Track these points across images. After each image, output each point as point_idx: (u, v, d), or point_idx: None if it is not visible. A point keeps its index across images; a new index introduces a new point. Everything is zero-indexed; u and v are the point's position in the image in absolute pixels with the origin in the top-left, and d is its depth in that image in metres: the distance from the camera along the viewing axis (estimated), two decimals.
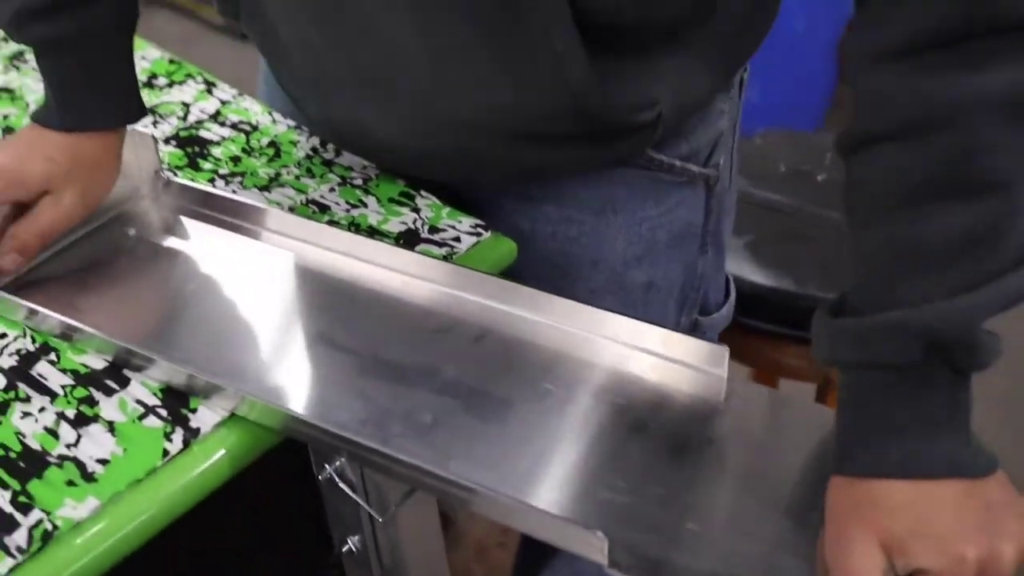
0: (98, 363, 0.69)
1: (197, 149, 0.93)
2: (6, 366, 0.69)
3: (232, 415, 0.65)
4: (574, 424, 0.64)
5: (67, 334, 0.71)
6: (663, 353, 0.68)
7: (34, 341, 0.71)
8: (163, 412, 0.65)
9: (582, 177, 0.80)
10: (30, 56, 1.13)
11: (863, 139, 0.54)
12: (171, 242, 0.81)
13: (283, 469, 0.72)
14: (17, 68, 1.11)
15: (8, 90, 1.06)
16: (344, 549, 0.72)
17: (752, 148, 1.26)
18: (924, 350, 0.53)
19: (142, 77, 1.05)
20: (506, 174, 0.79)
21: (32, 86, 1.07)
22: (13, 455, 0.63)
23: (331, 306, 0.74)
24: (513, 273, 0.80)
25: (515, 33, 0.65)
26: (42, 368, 0.69)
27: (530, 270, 0.82)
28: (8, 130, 0.98)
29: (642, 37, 0.69)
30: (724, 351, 0.66)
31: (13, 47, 1.15)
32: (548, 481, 0.60)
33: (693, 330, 0.90)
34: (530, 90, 0.68)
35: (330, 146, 0.91)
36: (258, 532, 0.82)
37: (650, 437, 0.63)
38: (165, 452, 0.63)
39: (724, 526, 0.57)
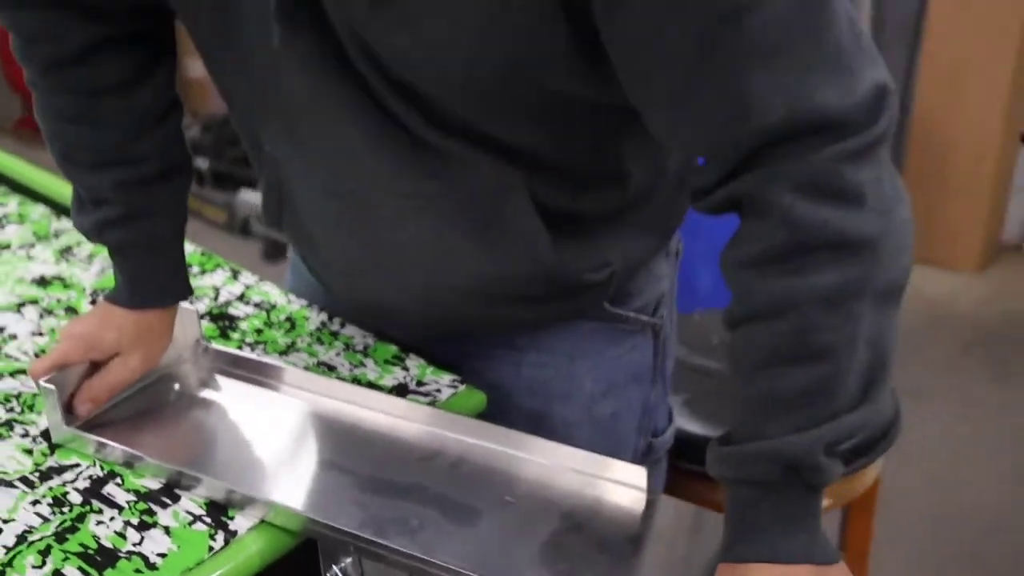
0: (154, 484, 0.88)
1: (227, 323, 1.14)
2: (81, 487, 0.88)
3: (262, 521, 0.83)
4: (527, 526, 0.83)
5: (129, 463, 0.90)
6: (596, 473, 0.87)
7: (102, 469, 0.90)
8: (208, 520, 0.84)
9: (556, 329, 1.01)
10: (77, 249, 1.35)
11: (735, 321, 0.75)
12: (207, 394, 1.02)
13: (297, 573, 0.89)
14: (67, 260, 1.33)
15: (60, 278, 1.28)
16: None
17: (692, 323, 1.49)
18: (781, 471, 0.72)
19: None
20: (491, 328, 1.00)
21: (79, 275, 1.29)
22: (91, 551, 0.81)
23: (337, 440, 0.94)
24: (504, 410, 1.00)
25: (494, 224, 0.88)
26: (110, 489, 0.88)
27: (518, 407, 1.02)
28: (70, 309, 1.19)
29: (593, 219, 0.92)
30: (643, 471, 0.85)
31: (63, 242, 1.37)
32: (508, 566, 0.78)
33: (648, 450, 1.09)
34: (507, 263, 0.90)
35: (336, 319, 1.13)
36: None
37: (584, 536, 0.82)
38: (210, 548, 0.81)
39: None
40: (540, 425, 0.92)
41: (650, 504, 0.85)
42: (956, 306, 2.98)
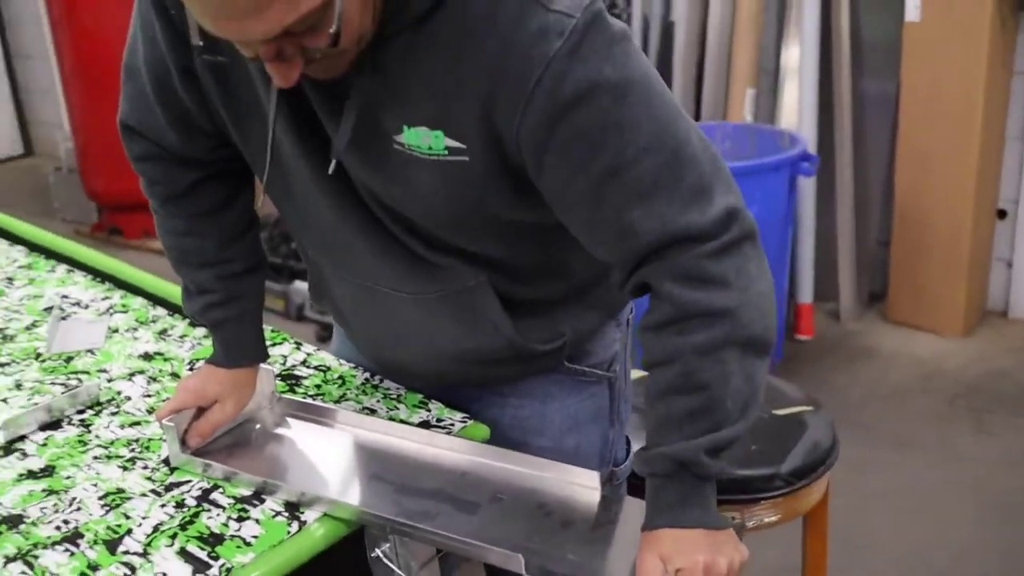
0: (247, 492, 1.22)
1: (293, 382, 1.49)
2: (195, 495, 1.22)
3: (325, 514, 1.17)
4: (512, 513, 1.16)
5: (227, 478, 1.24)
6: (563, 477, 1.20)
7: (208, 483, 1.25)
8: (286, 514, 1.17)
9: (530, 380, 1.33)
10: (172, 331, 1.71)
11: (646, 367, 1.08)
12: (281, 431, 1.36)
13: (346, 565, 1.22)
14: (164, 340, 1.69)
15: (161, 354, 1.64)
16: None
17: None
18: (675, 467, 1.05)
19: None
20: (480, 382, 1.34)
21: (174, 351, 1.64)
22: (205, 535, 1.15)
23: (378, 460, 1.28)
24: (494, 442, 1.31)
25: (468, 311, 1.21)
26: (215, 496, 1.22)
27: (505, 440, 1.34)
28: (174, 375, 1.55)
29: (544, 304, 1.25)
30: (597, 475, 1.18)
31: (160, 326, 1.73)
32: (499, 537, 1.11)
33: (611, 477, 1.39)
34: (481, 338, 1.23)
35: (377, 377, 1.47)
36: None
37: (553, 519, 1.15)
38: (288, 532, 1.14)
39: (590, 557, 1.08)
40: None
41: (602, 498, 1.17)
42: (943, 367, 3.26)
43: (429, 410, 1.38)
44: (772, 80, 3.62)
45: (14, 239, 2.16)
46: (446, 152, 1.04)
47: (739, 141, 3.32)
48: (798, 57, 3.43)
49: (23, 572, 1.10)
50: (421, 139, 1.04)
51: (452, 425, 1.34)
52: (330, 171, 1.08)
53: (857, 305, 3.59)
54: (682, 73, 3.72)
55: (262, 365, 1.38)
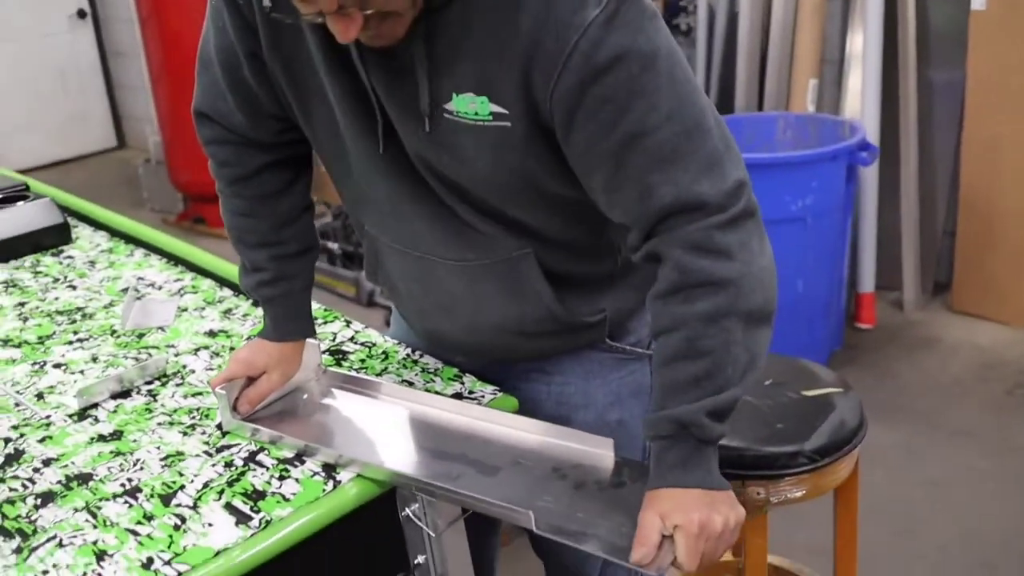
0: (289, 454, 1.33)
1: (340, 356, 1.59)
2: (242, 456, 1.33)
3: (359, 475, 1.27)
4: (531, 476, 1.24)
5: (273, 442, 1.35)
6: (579, 444, 1.28)
7: (255, 446, 1.36)
8: (322, 474, 1.28)
9: (573, 358, 1.41)
10: (236, 311, 1.83)
11: (653, 335, 1.16)
12: (326, 401, 1.47)
13: (380, 523, 1.32)
14: (229, 319, 1.81)
15: (224, 331, 1.76)
16: (415, 562, 1.31)
17: None
18: (677, 429, 1.12)
19: None
20: (522, 355, 1.42)
21: (237, 329, 1.76)
22: (249, 491, 1.26)
23: (412, 427, 1.37)
24: (538, 418, 1.36)
25: (513, 281, 1.29)
26: (261, 457, 1.33)
27: (549, 416, 1.41)
28: (232, 349, 1.66)
29: (586, 280, 1.33)
30: (611, 442, 1.25)
31: (225, 306, 1.85)
32: (516, 496, 1.19)
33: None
34: (524, 308, 1.31)
35: (418, 352, 1.57)
36: (367, 560, 1.40)
37: (568, 481, 1.23)
38: (323, 491, 1.25)
39: (597, 515, 1.16)
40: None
41: (615, 463, 1.25)
42: (1005, 356, 3.23)
43: (463, 383, 1.47)
44: (837, 70, 3.63)
45: (98, 225, 2.32)
46: (490, 117, 1.12)
47: (800, 131, 3.34)
48: (862, 46, 3.43)
49: (87, 520, 1.23)
50: (468, 105, 1.13)
51: (483, 397, 1.43)
52: (427, 128, 1.16)
53: (921, 295, 3.58)
54: (746, 63, 3.75)
55: (309, 340, 1.48)
